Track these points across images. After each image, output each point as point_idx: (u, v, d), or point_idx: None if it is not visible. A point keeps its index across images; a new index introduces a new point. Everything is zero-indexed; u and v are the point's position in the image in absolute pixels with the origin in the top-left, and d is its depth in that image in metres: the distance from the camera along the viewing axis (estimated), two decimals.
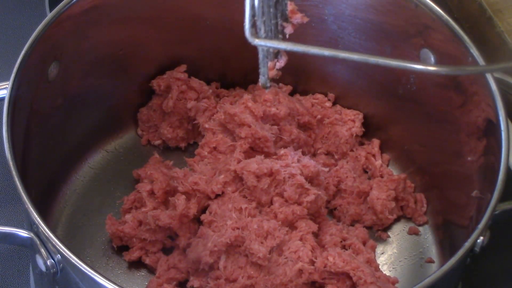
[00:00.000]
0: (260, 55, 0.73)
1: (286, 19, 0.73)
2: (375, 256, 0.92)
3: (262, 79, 0.74)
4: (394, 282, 0.89)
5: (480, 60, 0.85)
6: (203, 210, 0.91)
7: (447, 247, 0.93)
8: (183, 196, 0.90)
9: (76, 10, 0.88)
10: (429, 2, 0.89)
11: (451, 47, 0.88)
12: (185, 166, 0.96)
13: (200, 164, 0.95)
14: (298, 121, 0.98)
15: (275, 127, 0.96)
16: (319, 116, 1.00)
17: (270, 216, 0.89)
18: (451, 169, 0.93)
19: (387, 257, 0.94)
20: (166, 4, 0.95)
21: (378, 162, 0.99)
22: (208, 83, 1.03)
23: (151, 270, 0.91)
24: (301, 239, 0.87)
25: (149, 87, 1.01)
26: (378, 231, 0.95)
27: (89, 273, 0.72)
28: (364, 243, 0.91)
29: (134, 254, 0.91)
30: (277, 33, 0.73)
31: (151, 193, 0.92)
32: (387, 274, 0.91)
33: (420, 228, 0.96)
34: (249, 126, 0.93)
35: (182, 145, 1.01)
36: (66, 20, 0.87)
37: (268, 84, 0.74)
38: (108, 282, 0.71)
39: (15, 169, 0.77)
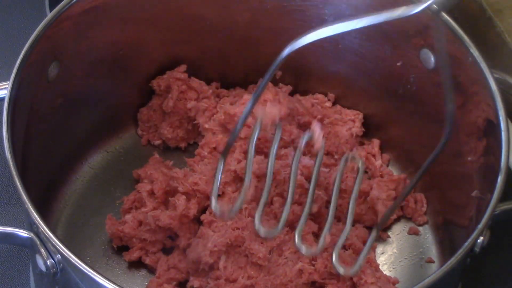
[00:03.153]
0: None
1: None
2: (375, 256, 0.92)
3: None
4: (394, 282, 0.89)
5: (480, 60, 0.85)
6: (203, 210, 0.91)
7: (447, 247, 0.93)
8: (183, 197, 0.90)
9: (76, 10, 0.88)
10: None
11: (451, 47, 0.88)
12: (185, 166, 0.96)
13: (200, 164, 0.95)
14: (298, 121, 0.98)
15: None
16: (319, 116, 1.00)
17: (270, 216, 0.89)
18: (451, 169, 0.93)
19: (387, 257, 0.94)
20: (166, 4, 0.95)
21: (378, 162, 0.99)
22: (208, 83, 1.02)
23: (151, 270, 0.91)
24: (301, 239, 0.87)
25: (149, 87, 1.01)
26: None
27: (89, 273, 0.72)
28: (364, 243, 0.91)
29: (134, 254, 0.91)
30: None
31: (151, 193, 0.92)
32: (387, 274, 0.91)
33: (420, 228, 0.96)
34: (249, 127, 0.93)
35: (182, 145, 1.01)
36: (66, 20, 0.87)
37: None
38: (108, 282, 0.71)
39: (15, 169, 0.77)
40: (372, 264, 0.89)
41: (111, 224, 0.91)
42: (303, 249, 0.81)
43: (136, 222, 0.90)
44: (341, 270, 0.82)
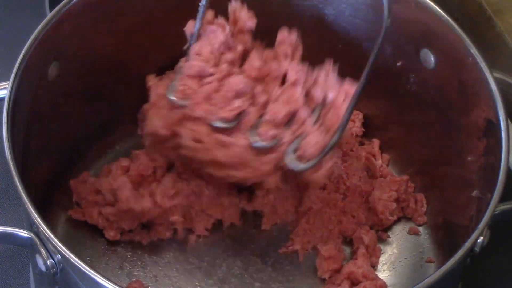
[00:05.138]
0: None
1: None
2: (370, 261, 0.91)
3: None
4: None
5: (480, 60, 0.85)
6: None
7: (447, 247, 0.93)
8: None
9: (76, 10, 0.88)
10: (429, 2, 0.89)
11: (451, 47, 0.88)
12: None
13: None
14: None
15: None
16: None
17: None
18: (451, 169, 0.93)
19: (387, 257, 0.94)
20: (166, 4, 0.95)
21: (378, 162, 0.99)
22: None
23: (152, 270, 0.91)
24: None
25: (149, 87, 1.01)
26: (378, 231, 0.95)
27: (89, 273, 0.72)
28: (372, 242, 0.91)
29: (111, 233, 0.92)
30: None
31: (126, 171, 0.93)
32: (387, 275, 0.91)
33: (420, 228, 0.96)
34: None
35: None
36: (66, 20, 0.87)
37: None
38: (108, 282, 0.71)
39: (15, 169, 0.77)
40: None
41: (77, 182, 0.93)
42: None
43: (94, 188, 0.92)
44: (300, 166, 0.83)
